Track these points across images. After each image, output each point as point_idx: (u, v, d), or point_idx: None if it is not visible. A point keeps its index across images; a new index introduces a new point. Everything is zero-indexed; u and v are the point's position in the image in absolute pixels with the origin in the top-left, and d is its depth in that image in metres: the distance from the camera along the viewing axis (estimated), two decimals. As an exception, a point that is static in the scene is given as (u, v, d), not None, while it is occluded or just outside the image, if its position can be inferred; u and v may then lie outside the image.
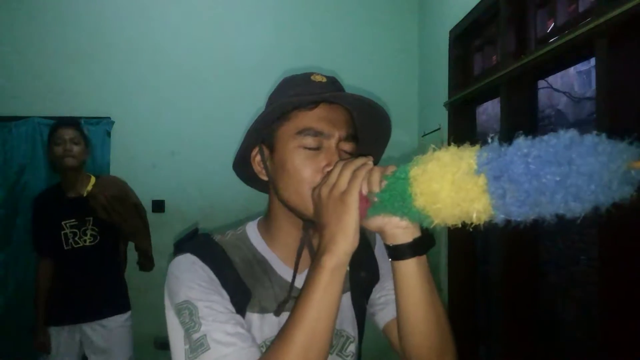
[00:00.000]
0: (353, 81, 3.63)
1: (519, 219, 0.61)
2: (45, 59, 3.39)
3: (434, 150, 0.64)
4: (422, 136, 3.48)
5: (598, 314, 1.61)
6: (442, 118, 3.03)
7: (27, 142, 3.35)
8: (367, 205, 0.73)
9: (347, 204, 0.71)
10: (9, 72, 3.37)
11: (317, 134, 0.81)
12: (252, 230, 0.92)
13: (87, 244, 2.42)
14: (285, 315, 0.80)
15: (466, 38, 2.86)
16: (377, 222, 0.76)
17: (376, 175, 0.72)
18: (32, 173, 3.33)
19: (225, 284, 0.82)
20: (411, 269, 0.79)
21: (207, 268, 0.82)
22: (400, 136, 3.66)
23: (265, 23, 3.57)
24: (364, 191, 0.72)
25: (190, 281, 0.80)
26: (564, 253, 2.04)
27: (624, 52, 1.54)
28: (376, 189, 0.70)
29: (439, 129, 3.11)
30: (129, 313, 2.53)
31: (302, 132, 0.82)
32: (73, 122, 2.53)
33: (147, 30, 3.48)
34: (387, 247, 0.78)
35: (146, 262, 2.61)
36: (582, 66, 1.91)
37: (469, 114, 2.87)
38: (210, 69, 3.48)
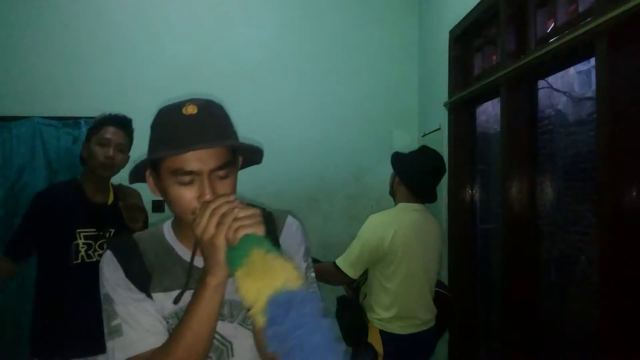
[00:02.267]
0: (353, 81, 3.65)
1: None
2: (45, 59, 3.39)
3: (268, 253, 0.85)
4: (422, 136, 3.48)
5: (598, 314, 1.61)
6: (442, 118, 3.03)
7: (27, 142, 3.35)
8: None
9: (216, 245, 0.90)
10: (9, 72, 3.37)
11: (187, 173, 0.94)
12: (166, 227, 1.12)
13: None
14: (187, 293, 1.00)
15: (466, 38, 2.86)
16: None
17: (235, 230, 0.89)
18: (32, 173, 3.33)
19: (129, 273, 1.02)
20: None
21: (116, 263, 1.03)
22: (400, 136, 3.66)
23: (266, 23, 3.57)
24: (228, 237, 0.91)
25: (109, 277, 1.03)
26: (564, 253, 2.04)
27: (624, 52, 1.54)
28: (231, 243, 0.89)
29: (439, 129, 3.11)
30: None
31: (175, 172, 0.95)
32: (126, 123, 2.17)
33: (147, 29, 3.48)
34: None
35: None
36: (582, 66, 1.91)
37: (469, 114, 2.87)
38: (211, 69, 3.48)
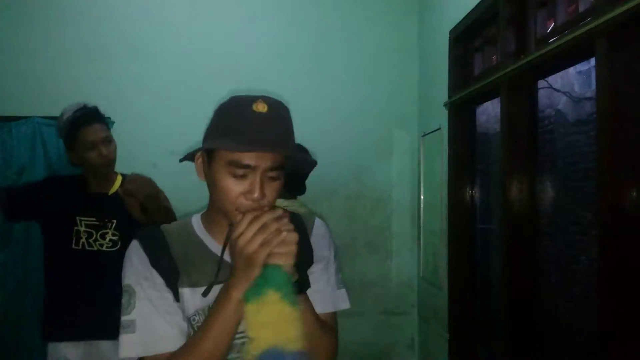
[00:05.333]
0: (353, 81, 3.65)
1: None
2: (45, 59, 3.39)
3: (282, 300, 0.91)
4: (422, 136, 3.49)
5: (598, 314, 1.61)
6: (442, 118, 3.03)
7: (27, 142, 3.34)
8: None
9: (254, 263, 0.91)
10: (9, 72, 3.37)
11: (243, 166, 0.97)
12: (195, 220, 1.12)
13: (104, 248, 2.07)
14: (216, 287, 1.00)
15: (466, 38, 2.86)
16: None
17: (268, 255, 0.92)
18: (31, 173, 3.33)
19: (156, 265, 1.01)
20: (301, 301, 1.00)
21: (143, 254, 1.02)
22: (401, 136, 3.66)
23: (266, 22, 3.57)
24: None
25: (135, 268, 1.01)
26: (564, 253, 2.04)
27: (624, 52, 1.54)
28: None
29: (439, 129, 3.11)
30: None
31: (232, 163, 0.97)
32: (97, 116, 2.10)
33: (147, 29, 3.48)
34: None
35: None
36: (582, 66, 1.91)
37: (469, 114, 2.87)
38: (211, 68, 3.48)
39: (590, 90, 1.83)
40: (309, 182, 2.34)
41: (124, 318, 1.00)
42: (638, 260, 1.48)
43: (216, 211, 1.06)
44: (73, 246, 2.05)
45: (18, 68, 3.38)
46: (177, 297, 1.02)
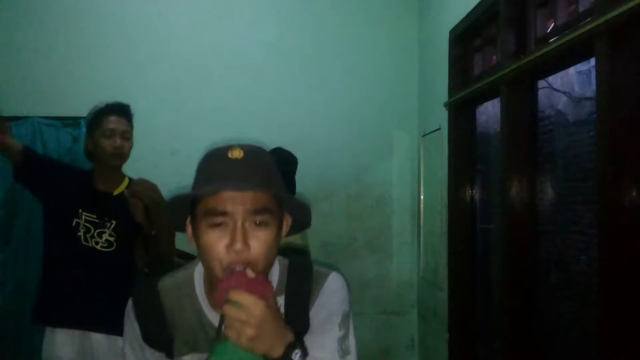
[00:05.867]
0: (353, 81, 3.65)
1: None
2: (45, 59, 3.39)
3: None
4: (422, 136, 3.49)
5: (598, 314, 1.61)
6: (442, 118, 3.03)
7: (27, 142, 3.33)
8: None
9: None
10: (9, 72, 3.37)
11: (220, 213, 0.89)
12: (198, 274, 1.03)
13: (99, 247, 2.08)
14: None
15: (466, 38, 2.86)
16: None
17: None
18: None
19: (147, 337, 0.99)
20: None
21: (134, 321, 1.00)
22: (401, 136, 3.66)
23: (266, 23, 3.57)
24: None
25: (126, 332, 1.02)
26: (564, 253, 2.04)
27: (624, 52, 1.54)
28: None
29: (439, 129, 3.11)
30: None
31: (208, 212, 0.90)
32: (125, 111, 2.17)
33: (147, 29, 3.48)
34: None
35: None
36: (582, 66, 1.91)
37: (469, 114, 2.87)
38: (211, 68, 3.48)
39: (590, 90, 1.83)
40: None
41: None
42: (638, 260, 1.48)
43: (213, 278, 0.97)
44: (70, 237, 2.06)
45: (18, 68, 3.39)
46: None
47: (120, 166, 2.17)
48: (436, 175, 3.15)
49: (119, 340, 1.96)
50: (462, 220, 2.87)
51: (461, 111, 2.87)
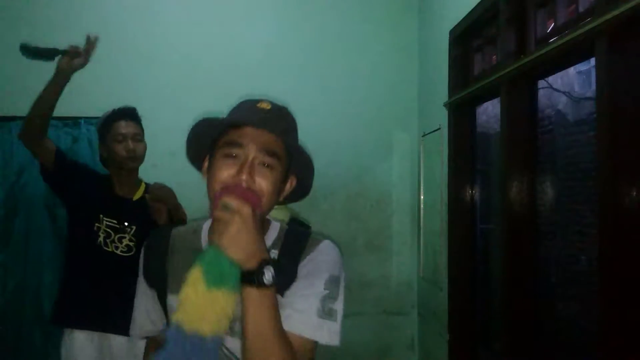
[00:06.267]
0: (353, 81, 3.65)
1: None
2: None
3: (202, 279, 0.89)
4: (422, 136, 3.49)
5: (598, 314, 1.61)
6: (442, 118, 3.03)
7: (27, 142, 3.34)
8: None
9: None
10: (9, 72, 3.37)
11: (237, 144, 0.99)
12: (206, 224, 1.12)
13: (119, 252, 2.09)
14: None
15: (466, 38, 2.86)
16: None
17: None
18: (31, 173, 3.32)
19: (146, 267, 1.13)
20: (246, 294, 0.92)
21: (142, 255, 1.14)
22: (401, 136, 3.66)
23: (266, 22, 3.56)
24: None
25: (139, 264, 1.15)
26: (564, 253, 2.04)
27: (624, 52, 1.54)
28: None
29: (439, 129, 3.11)
30: None
31: (226, 143, 1.00)
32: (133, 114, 2.24)
33: (147, 29, 3.47)
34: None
35: None
36: (582, 66, 1.91)
37: (469, 114, 2.87)
38: (211, 68, 3.48)
39: (590, 90, 1.83)
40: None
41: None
42: (638, 260, 1.48)
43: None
44: (91, 241, 2.08)
45: (18, 68, 3.38)
46: (164, 303, 1.10)
47: (136, 169, 2.20)
48: (436, 175, 3.15)
49: (138, 342, 1.99)
50: (462, 220, 2.87)
51: (461, 111, 2.87)
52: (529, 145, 2.21)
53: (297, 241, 1.06)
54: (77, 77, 3.44)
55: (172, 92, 3.46)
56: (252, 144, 0.98)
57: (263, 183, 0.98)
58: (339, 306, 1.02)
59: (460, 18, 2.78)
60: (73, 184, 2.13)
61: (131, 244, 2.11)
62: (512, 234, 2.22)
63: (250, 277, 0.89)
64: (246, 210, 0.89)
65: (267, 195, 0.99)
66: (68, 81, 2.11)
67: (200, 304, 0.87)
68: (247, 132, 0.99)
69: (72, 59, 2.18)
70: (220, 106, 3.92)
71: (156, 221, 2.08)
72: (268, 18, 3.57)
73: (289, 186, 1.08)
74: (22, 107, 3.36)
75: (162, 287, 1.08)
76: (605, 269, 1.57)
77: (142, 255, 1.15)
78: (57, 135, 3.36)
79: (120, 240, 2.10)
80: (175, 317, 0.89)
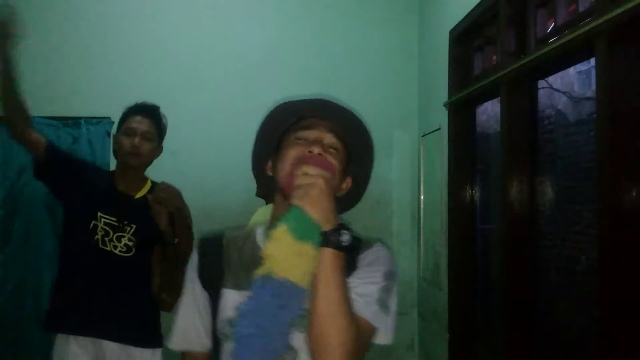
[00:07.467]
0: (353, 81, 3.65)
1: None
2: (45, 60, 3.39)
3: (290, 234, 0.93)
4: (422, 136, 3.49)
5: (598, 314, 1.61)
6: (442, 118, 3.03)
7: (27, 142, 3.34)
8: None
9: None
10: (9, 72, 3.37)
11: (307, 127, 1.07)
12: (260, 228, 1.14)
13: (117, 251, 1.98)
14: None
15: (466, 38, 2.87)
16: None
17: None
18: (31, 173, 3.32)
19: (202, 267, 1.11)
20: (323, 255, 0.96)
21: (196, 256, 1.13)
22: (400, 136, 3.66)
23: (266, 23, 3.57)
24: None
25: (189, 267, 1.13)
26: (564, 253, 2.04)
27: (624, 52, 1.54)
28: None
29: (439, 129, 3.11)
30: (159, 351, 2.04)
31: (298, 128, 1.08)
32: (151, 111, 2.13)
33: (147, 29, 3.48)
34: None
35: (166, 300, 2.04)
36: (582, 66, 1.91)
37: (469, 114, 2.87)
38: (211, 69, 3.48)
39: (590, 90, 1.83)
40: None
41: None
42: (638, 260, 1.48)
43: (280, 209, 1.08)
44: (88, 240, 1.97)
45: (18, 68, 3.38)
46: (217, 300, 1.07)
47: (138, 167, 2.08)
48: (436, 175, 3.15)
49: (133, 350, 1.97)
50: (462, 220, 2.87)
51: (461, 111, 2.87)
52: (529, 145, 2.21)
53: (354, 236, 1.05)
54: (78, 78, 3.46)
55: (172, 93, 3.45)
56: (322, 127, 1.07)
57: (333, 161, 1.04)
58: (392, 304, 1.07)
59: (460, 18, 2.78)
60: (68, 179, 2.02)
61: (130, 243, 1.99)
62: (512, 234, 2.22)
63: (329, 238, 0.95)
64: (325, 175, 0.96)
65: (334, 173, 1.03)
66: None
67: (290, 253, 0.91)
68: (316, 121, 1.08)
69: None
70: (221, 106, 3.97)
71: (158, 225, 2.01)
72: (268, 19, 3.57)
73: (345, 185, 1.12)
74: (22, 107, 3.39)
75: (217, 285, 1.08)
76: (605, 269, 1.57)
77: (195, 257, 1.13)
78: (57, 135, 3.36)
79: (119, 239, 1.98)
80: (264, 269, 0.92)
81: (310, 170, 0.96)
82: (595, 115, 1.71)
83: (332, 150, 1.06)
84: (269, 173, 1.12)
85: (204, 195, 3.44)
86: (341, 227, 0.97)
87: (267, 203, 2.72)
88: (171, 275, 2.03)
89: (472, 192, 2.89)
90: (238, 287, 1.05)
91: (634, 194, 1.50)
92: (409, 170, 3.64)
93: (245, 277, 1.03)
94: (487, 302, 2.75)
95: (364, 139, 1.17)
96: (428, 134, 3.35)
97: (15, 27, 1.90)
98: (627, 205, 1.50)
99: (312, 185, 0.94)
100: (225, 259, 1.10)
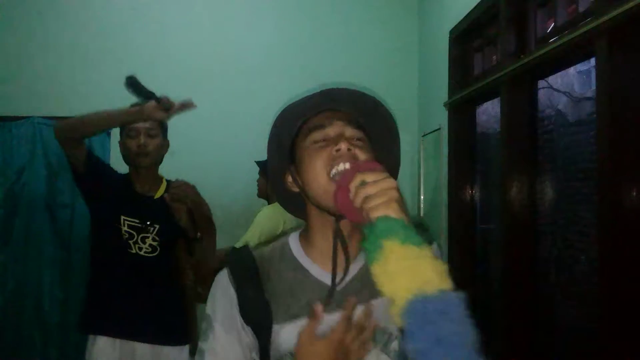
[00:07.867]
0: (353, 81, 3.63)
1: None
2: (45, 59, 3.39)
3: (403, 245, 0.78)
4: (422, 136, 3.48)
5: (598, 314, 1.61)
6: (442, 118, 3.03)
7: (27, 142, 3.35)
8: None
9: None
10: (9, 72, 3.37)
11: (321, 127, 0.95)
12: (293, 240, 1.00)
13: (143, 253, 2.00)
14: (327, 317, 0.87)
15: (466, 38, 2.87)
16: None
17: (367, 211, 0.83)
18: (31, 173, 3.33)
19: (243, 303, 0.93)
20: None
21: (231, 290, 0.94)
22: (401, 136, 3.65)
23: (266, 23, 3.57)
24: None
25: (218, 299, 0.96)
26: (564, 253, 2.04)
27: (624, 52, 1.54)
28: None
29: (439, 129, 3.11)
30: (187, 347, 2.07)
31: (311, 129, 0.95)
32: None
33: (147, 29, 3.48)
34: None
35: (201, 293, 2.11)
36: (582, 66, 1.91)
37: (469, 114, 2.87)
38: (211, 69, 3.48)
39: (590, 90, 1.83)
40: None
41: (199, 343, 0.96)
42: (638, 260, 1.48)
43: (315, 231, 0.97)
44: (115, 243, 2.00)
45: (18, 68, 3.39)
46: (268, 336, 0.92)
47: (149, 166, 2.08)
48: (436, 175, 3.15)
49: (162, 349, 1.98)
50: (462, 220, 2.87)
51: (461, 111, 2.87)
52: (529, 145, 2.21)
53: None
54: (77, 78, 3.46)
55: (173, 93, 3.45)
56: (338, 120, 0.95)
57: (362, 155, 0.92)
58: None
59: (460, 18, 2.78)
60: (99, 186, 2.05)
61: (154, 243, 2.01)
62: (512, 234, 2.22)
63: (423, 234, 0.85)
64: (385, 174, 0.84)
65: (379, 166, 0.90)
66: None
67: (419, 263, 0.78)
68: (327, 115, 0.96)
69: (158, 110, 2.04)
70: (220, 107, 3.97)
71: (179, 222, 1.99)
72: (267, 19, 3.57)
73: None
74: (22, 107, 3.39)
75: (264, 319, 0.92)
76: (606, 268, 1.57)
77: (226, 284, 0.96)
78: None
79: (143, 240, 2.01)
80: (409, 291, 0.76)
81: (367, 177, 0.83)
82: (595, 115, 1.71)
83: (357, 142, 0.94)
84: (293, 189, 0.99)
85: (204, 195, 3.41)
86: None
87: (269, 203, 2.72)
88: (201, 268, 2.06)
89: (472, 192, 2.89)
90: (292, 317, 0.92)
91: (634, 194, 1.50)
92: (409, 170, 3.64)
93: (297, 301, 0.93)
94: (487, 302, 2.75)
95: (385, 120, 1.06)
96: (428, 134, 3.35)
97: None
98: (627, 205, 1.51)
99: (389, 190, 0.81)
100: (267, 288, 0.94)
